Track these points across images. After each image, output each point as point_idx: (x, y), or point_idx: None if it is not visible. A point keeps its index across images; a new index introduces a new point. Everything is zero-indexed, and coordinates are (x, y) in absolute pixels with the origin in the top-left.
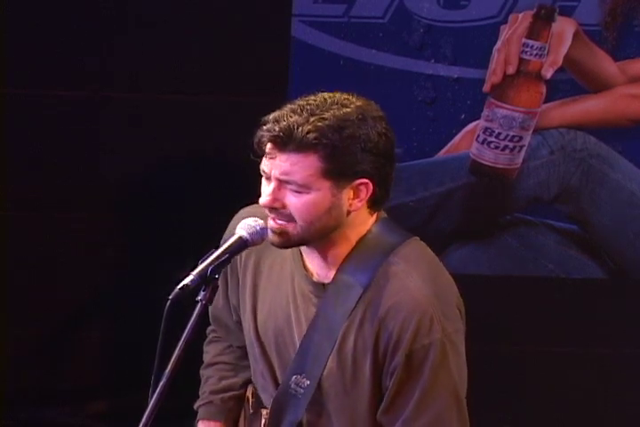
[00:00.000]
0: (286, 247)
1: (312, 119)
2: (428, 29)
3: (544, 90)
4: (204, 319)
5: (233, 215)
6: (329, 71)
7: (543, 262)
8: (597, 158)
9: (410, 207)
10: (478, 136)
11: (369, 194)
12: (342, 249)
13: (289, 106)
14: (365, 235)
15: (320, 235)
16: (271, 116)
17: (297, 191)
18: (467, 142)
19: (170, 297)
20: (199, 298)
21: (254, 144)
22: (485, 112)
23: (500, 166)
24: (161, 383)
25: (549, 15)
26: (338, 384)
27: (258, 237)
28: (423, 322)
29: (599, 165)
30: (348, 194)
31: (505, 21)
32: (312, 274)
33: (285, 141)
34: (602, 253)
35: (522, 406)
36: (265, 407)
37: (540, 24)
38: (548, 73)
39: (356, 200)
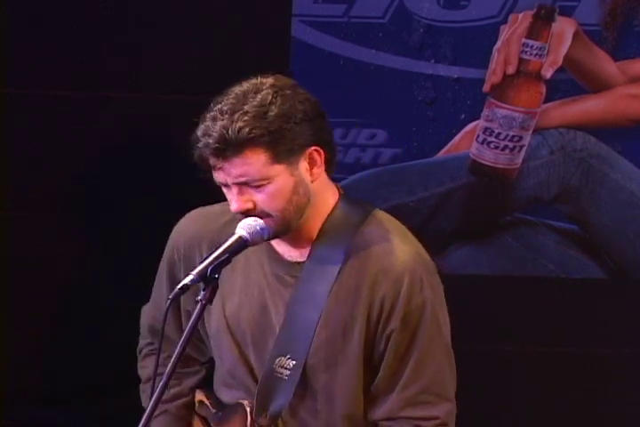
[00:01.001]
0: (271, 239)
1: (235, 117)
2: (427, 29)
3: (544, 90)
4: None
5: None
6: (329, 71)
7: (543, 262)
8: (597, 158)
9: (410, 207)
10: (478, 136)
11: (323, 158)
12: (312, 225)
13: (208, 115)
14: (333, 210)
15: (298, 216)
16: (199, 133)
17: (258, 186)
18: (467, 142)
19: (170, 297)
20: (199, 298)
21: (198, 162)
22: (485, 112)
23: (500, 166)
24: (161, 383)
25: (549, 15)
26: (326, 360)
27: (258, 237)
28: (414, 281)
29: (599, 165)
30: (304, 166)
31: (505, 21)
32: (284, 256)
33: (224, 149)
34: (602, 253)
35: (522, 406)
36: (245, 400)
37: (540, 24)
38: (548, 73)
39: (315, 168)
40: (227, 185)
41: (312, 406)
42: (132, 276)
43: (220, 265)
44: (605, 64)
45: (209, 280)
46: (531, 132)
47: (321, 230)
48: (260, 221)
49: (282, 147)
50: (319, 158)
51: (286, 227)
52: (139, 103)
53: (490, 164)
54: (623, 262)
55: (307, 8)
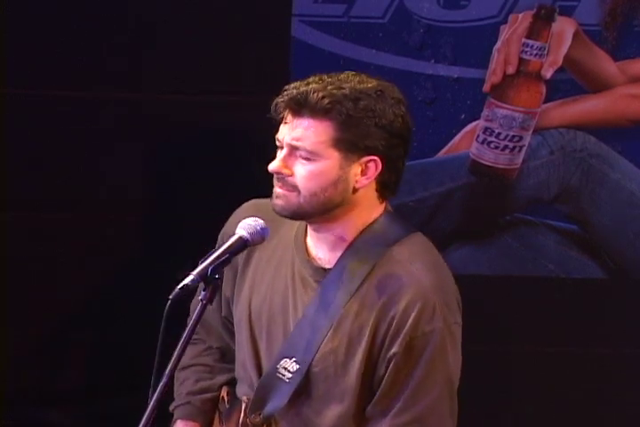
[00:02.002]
0: (286, 215)
1: (329, 87)
2: (427, 29)
3: (544, 90)
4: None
5: None
6: (329, 71)
7: (543, 262)
8: (597, 158)
9: (410, 207)
10: (478, 136)
11: (377, 173)
12: (347, 233)
13: (312, 77)
14: (372, 224)
15: (323, 209)
16: (292, 84)
17: (306, 159)
18: (467, 142)
19: (170, 297)
20: (200, 298)
21: (272, 112)
22: (485, 112)
23: (500, 166)
24: (161, 383)
25: (549, 15)
26: (328, 370)
27: (258, 237)
28: (426, 309)
29: (599, 165)
30: (355, 169)
31: (505, 21)
32: (314, 259)
33: (301, 105)
34: (602, 253)
35: (522, 406)
36: (246, 395)
37: (540, 24)
38: (548, 73)
39: (364, 177)
40: (282, 146)
41: (304, 414)
42: (132, 276)
43: (220, 265)
44: (605, 64)
45: (209, 280)
46: (531, 132)
47: (354, 241)
48: (261, 222)
49: (349, 136)
50: (373, 170)
51: (304, 212)
52: (139, 103)
53: (490, 164)
54: (623, 262)
55: (307, 8)
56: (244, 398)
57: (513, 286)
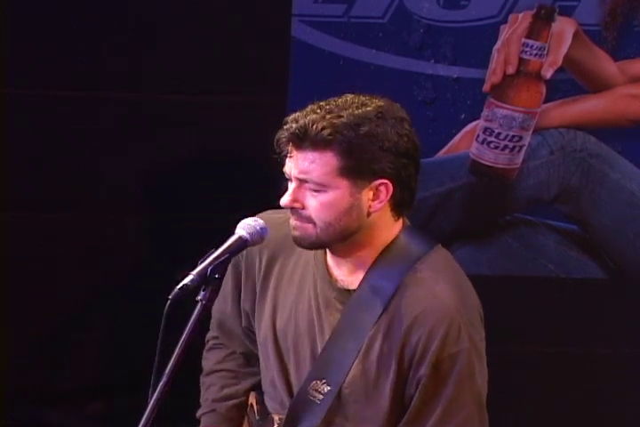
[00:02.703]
0: (305, 246)
1: (328, 117)
2: (427, 29)
3: (544, 90)
4: (204, 319)
5: (233, 215)
6: (329, 71)
7: (543, 262)
8: (597, 158)
9: None
10: (478, 136)
11: (389, 195)
12: (367, 254)
13: (310, 106)
14: (392, 242)
15: (341, 237)
16: (291, 117)
17: (315, 190)
18: (466, 142)
19: (170, 297)
20: (199, 298)
21: (275, 145)
22: (485, 112)
23: (500, 166)
24: (161, 383)
25: (549, 15)
26: (359, 391)
27: (258, 237)
28: (452, 330)
29: (599, 165)
30: (367, 195)
31: (505, 21)
32: (336, 280)
33: (301, 139)
34: (602, 253)
35: (522, 406)
36: (277, 413)
37: (540, 24)
38: (548, 73)
39: (376, 201)
40: (291, 180)
41: None
42: (132, 276)
43: (220, 265)
44: (605, 64)
45: (209, 280)
46: (531, 132)
47: (376, 261)
48: (260, 222)
49: (354, 163)
50: (384, 193)
51: (321, 242)
52: (139, 103)
53: (490, 164)
54: (623, 262)
55: (307, 8)
56: (276, 417)
57: (513, 286)
